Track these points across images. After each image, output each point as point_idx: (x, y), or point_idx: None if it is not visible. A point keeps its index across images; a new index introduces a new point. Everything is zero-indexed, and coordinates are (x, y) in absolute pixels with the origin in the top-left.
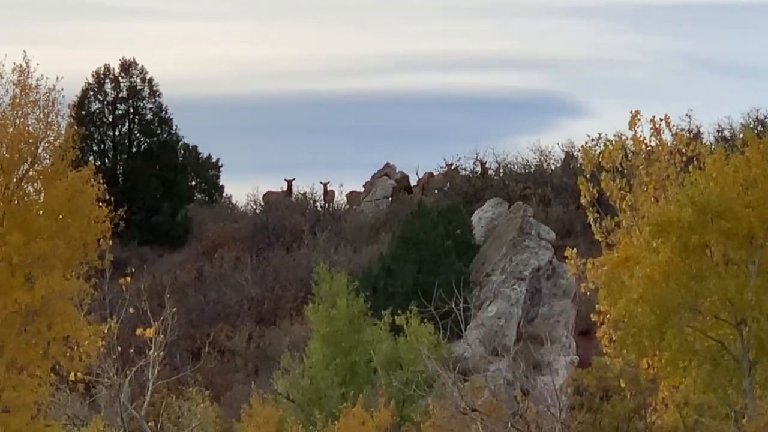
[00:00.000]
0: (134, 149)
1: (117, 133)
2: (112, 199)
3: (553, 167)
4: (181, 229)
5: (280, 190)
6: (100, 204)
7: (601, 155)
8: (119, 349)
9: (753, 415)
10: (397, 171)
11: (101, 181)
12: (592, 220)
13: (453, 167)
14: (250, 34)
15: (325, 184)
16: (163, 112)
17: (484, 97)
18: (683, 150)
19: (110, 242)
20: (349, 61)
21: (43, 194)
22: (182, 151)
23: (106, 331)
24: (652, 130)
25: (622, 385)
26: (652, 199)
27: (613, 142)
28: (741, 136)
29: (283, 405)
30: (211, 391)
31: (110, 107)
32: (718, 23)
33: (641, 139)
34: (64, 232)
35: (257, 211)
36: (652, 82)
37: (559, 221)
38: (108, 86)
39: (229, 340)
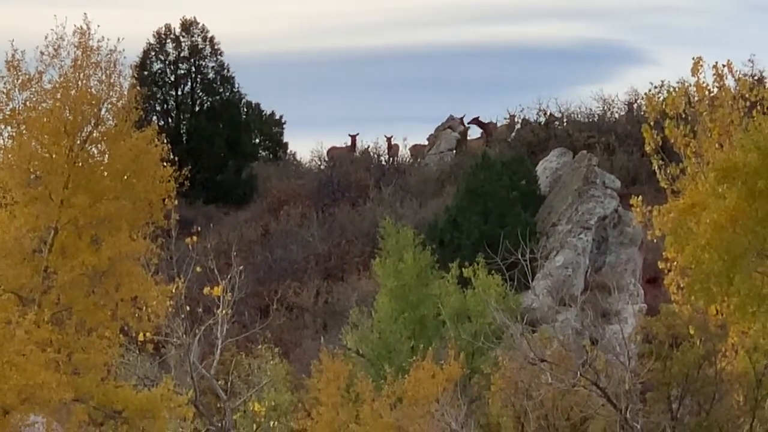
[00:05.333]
0: (197, 108)
1: (179, 92)
2: (177, 158)
3: (616, 116)
4: (246, 186)
5: (344, 145)
6: (165, 164)
7: (664, 102)
8: (187, 308)
9: None
10: (460, 123)
11: (165, 141)
12: (656, 167)
13: (516, 118)
14: None
15: (389, 138)
16: (225, 71)
17: (546, 47)
18: (746, 95)
19: (176, 202)
20: (410, 14)
21: (107, 155)
22: (245, 109)
23: (173, 291)
24: (714, 76)
25: (691, 332)
26: (717, 144)
27: (676, 89)
28: None
29: (352, 360)
30: (280, 347)
31: (172, 67)
32: None
33: (704, 85)
34: (129, 192)
35: (322, 167)
36: (713, 28)
37: (624, 169)
38: (169, 46)
39: (297, 297)
